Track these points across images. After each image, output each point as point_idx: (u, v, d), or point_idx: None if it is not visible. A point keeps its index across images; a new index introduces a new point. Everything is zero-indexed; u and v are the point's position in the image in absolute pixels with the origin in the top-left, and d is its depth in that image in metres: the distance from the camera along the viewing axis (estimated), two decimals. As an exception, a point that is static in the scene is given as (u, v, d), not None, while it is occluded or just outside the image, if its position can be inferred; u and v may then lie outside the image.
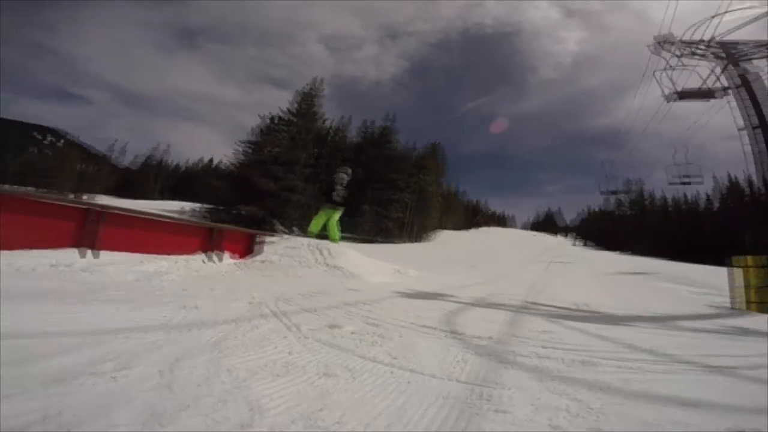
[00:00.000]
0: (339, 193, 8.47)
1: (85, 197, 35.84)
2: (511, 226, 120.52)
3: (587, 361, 2.38)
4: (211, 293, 3.75)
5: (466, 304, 4.70)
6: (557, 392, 1.84)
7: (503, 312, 4.29)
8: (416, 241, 41.31)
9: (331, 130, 43.19)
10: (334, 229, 8.44)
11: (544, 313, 4.46)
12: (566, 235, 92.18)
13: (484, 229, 76.04)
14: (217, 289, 4.05)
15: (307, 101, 34.10)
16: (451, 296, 5.28)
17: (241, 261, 6.40)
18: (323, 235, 8.61)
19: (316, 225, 8.44)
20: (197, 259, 5.67)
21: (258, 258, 6.55)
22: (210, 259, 5.90)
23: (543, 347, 2.70)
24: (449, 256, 23.01)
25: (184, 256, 5.54)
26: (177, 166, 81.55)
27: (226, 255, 6.28)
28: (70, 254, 4.29)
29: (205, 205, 31.29)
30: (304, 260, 6.67)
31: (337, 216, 8.54)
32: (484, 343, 2.70)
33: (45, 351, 1.69)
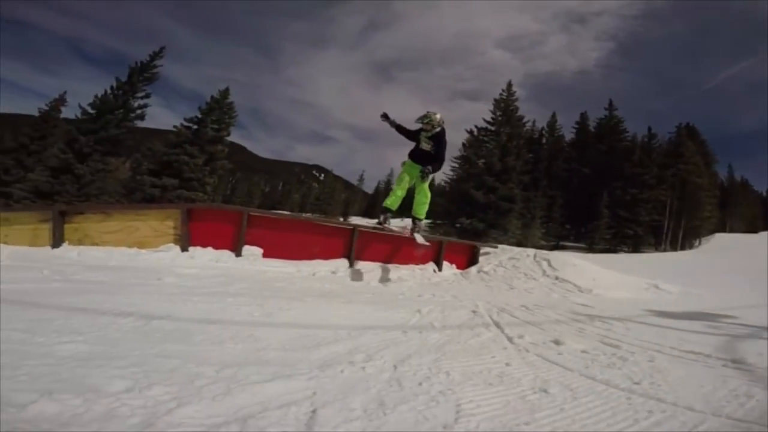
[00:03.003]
0: (424, 142, 5.37)
1: (340, 219, 46.12)
2: None
3: None
4: (440, 300, 4.15)
5: (759, 328, 3.50)
6: None
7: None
8: (680, 249, 31.61)
9: (544, 132, 39.97)
10: (423, 200, 5.53)
11: None
12: None
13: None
14: (445, 296, 4.43)
15: (505, 107, 32.67)
16: (731, 318, 4.04)
17: (465, 271, 6.75)
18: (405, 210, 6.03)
19: (396, 196, 5.53)
20: (429, 269, 6.36)
21: (481, 269, 6.76)
22: (439, 268, 6.51)
23: None
24: (730, 266, 17.30)
25: (419, 266, 6.33)
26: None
27: (453, 266, 6.77)
28: (342, 263, 5.63)
29: (431, 221, 34.13)
30: (528, 271, 6.44)
31: (427, 181, 5.52)
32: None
33: (321, 340, 2.26)
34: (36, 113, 29.25)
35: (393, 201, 5.48)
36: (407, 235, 5.63)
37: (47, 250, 4.77)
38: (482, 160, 30.40)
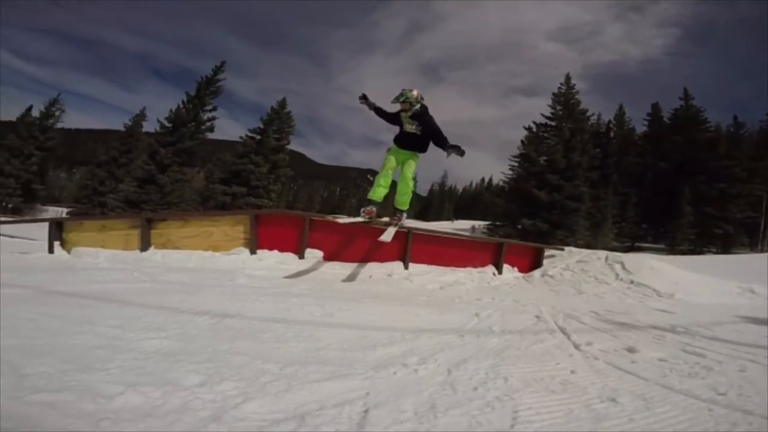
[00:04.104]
0: (407, 123, 4.82)
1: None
2: None
3: None
4: (500, 304, 4.02)
5: None
6: None
7: None
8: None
9: (611, 125, 36.92)
10: (403, 189, 5.01)
11: None
12: None
13: None
14: (505, 300, 4.28)
15: (565, 101, 30.45)
16: None
17: (528, 275, 6.47)
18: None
19: (379, 185, 5.00)
20: (488, 272, 6.18)
21: (545, 272, 6.43)
22: (499, 272, 6.29)
23: None
24: None
25: (477, 269, 6.18)
26: (464, 188, 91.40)
27: (514, 269, 6.52)
28: (397, 266, 5.66)
29: (489, 223, 33.03)
30: (599, 275, 6.01)
31: (413, 166, 4.95)
32: None
33: (377, 341, 2.29)
34: (122, 128, 33.07)
35: (375, 192, 5.00)
36: (392, 227, 5.17)
37: (137, 254, 5.34)
38: (544, 158, 28.75)
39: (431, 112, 4.84)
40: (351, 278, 5.01)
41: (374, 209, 5.08)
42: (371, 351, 2.11)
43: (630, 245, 29.20)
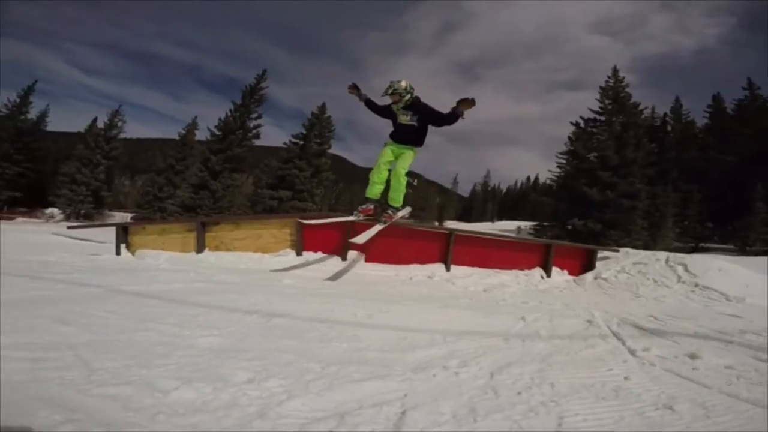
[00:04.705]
0: (402, 115, 4.66)
1: (435, 223, 45.70)
2: None
3: None
4: (548, 308, 3.86)
5: None
6: None
7: None
8: None
9: (667, 118, 34.24)
10: (395, 185, 4.81)
11: None
12: None
13: None
14: (554, 304, 4.11)
15: (614, 95, 28.47)
16: None
17: (579, 277, 6.17)
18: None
19: (374, 182, 4.90)
20: (535, 275, 5.96)
21: (598, 275, 6.10)
22: (548, 274, 6.05)
23: None
24: None
25: (524, 271, 5.98)
26: (509, 188, 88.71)
27: (563, 271, 6.25)
28: (438, 268, 5.61)
29: (536, 223, 31.75)
30: (658, 277, 5.62)
31: (407, 161, 4.77)
32: None
33: (417, 343, 2.28)
34: (176, 137, 35.42)
35: (371, 189, 4.89)
36: (379, 224, 5.03)
37: (193, 255, 5.68)
38: (594, 154, 27.20)
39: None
40: (391, 280, 5.03)
41: (372, 207, 5.01)
42: (411, 353, 2.11)
43: (694, 246, 26.91)
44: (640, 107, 29.62)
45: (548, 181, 33.68)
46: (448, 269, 5.67)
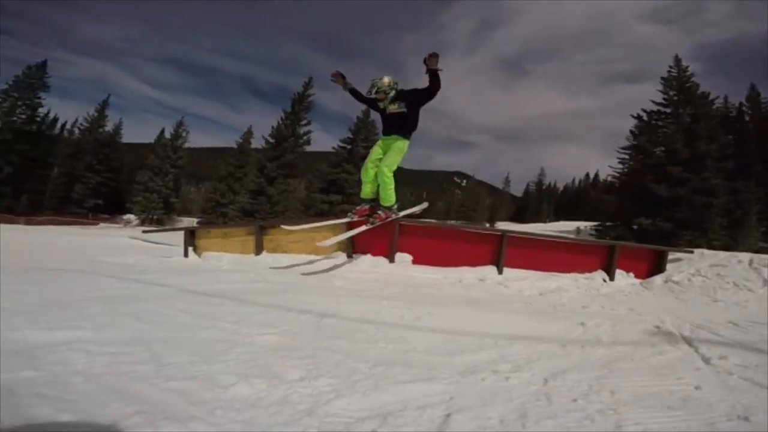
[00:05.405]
0: (390, 105, 4.63)
1: (486, 224, 44.45)
2: None
3: None
4: (611, 313, 3.63)
5: None
6: None
7: None
8: None
9: (743, 108, 30.59)
10: (381, 183, 4.73)
11: None
12: None
13: None
14: (618, 309, 3.85)
15: (679, 85, 25.85)
16: None
17: (646, 281, 5.72)
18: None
19: (363, 182, 4.94)
20: (597, 278, 5.63)
21: (669, 278, 5.62)
22: (611, 277, 5.69)
23: None
24: None
25: (585, 274, 5.66)
26: (566, 187, 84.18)
27: (629, 274, 5.84)
28: (490, 270, 5.46)
29: (598, 223, 29.84)
30: (740, 281, 5.08)
31: (391, 158, 4.68)
32: None
33: (465, 347, 2.24)
34: (234, 145, 37.73)
35: (363, 190, 4.93)
36: (366, 225, 5.05)
37: (252, 257, 6.01)
38: (661, 148, 25.12)
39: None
40: (440, 282, 4.97)
41: (367, 208, 4.99)
42: (458, 356, 2.09)
43: (784, 246, 23.88)
44: (710, 97, 26.93)
45: (610, 178, 31.56)
46: (500, 272, 5.50)
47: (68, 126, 43.35)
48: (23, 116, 35.45)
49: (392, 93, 4.56)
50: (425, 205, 5.87)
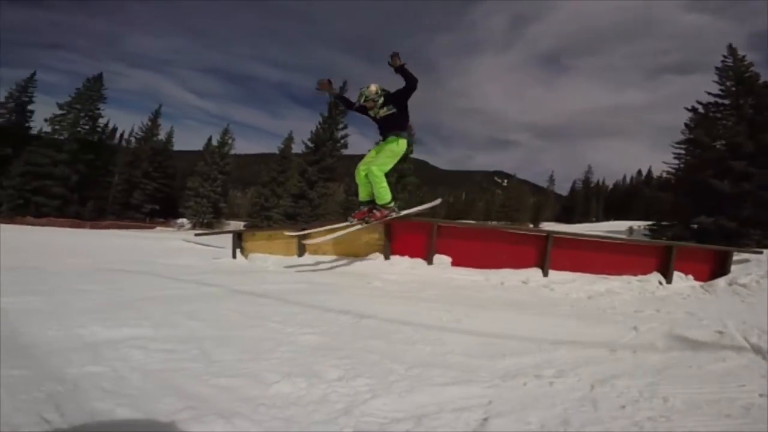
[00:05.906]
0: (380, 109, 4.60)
1: (529, 225, 42.98)
2: None
3: None
4: (667, 317, 3.42)
5: None
6: None
7: None
8: None
9: None
10: (374, 183, 4.70)
11: None
12: None
13: None
14: (675, 313, 3.62)
15: (737, 75, 23.47)
16: None
17: (707, 283, 5.31)
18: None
19: (360, 187, 4.95)
20: (652, 280, 5.30)
21: (734, 280, 5.18)
22: (668, 280, 5.33)
23: None
24: None
25: (638, 277, 5.35)
26: (616, 184, 79.54)
27: (688, 276, 5.45)
28: (534, 273, 5.29)
29: (653, 223, 27.93)
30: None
31: (382, 159, 4.70)
32: None
33: (507, 350, 2.19)
34: (276, 151, 39.00)
35: (359, 193, 4.97)
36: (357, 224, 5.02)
37: (295, 259, 6.21)
38: (721, 142, 23.11)
39: None
40: (481, 285, 4.88)
41: (365, 210, 4.99)
42: (499, 359, 2.04)
43: None
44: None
45: (665, 175, 29.48)
46: (545, 274, 5.30)
47: (125, 135, 46.88)
48: (86, 127, 38.44)
49: (381, 100, 4.63)
50: (437, 201, 5.81)
